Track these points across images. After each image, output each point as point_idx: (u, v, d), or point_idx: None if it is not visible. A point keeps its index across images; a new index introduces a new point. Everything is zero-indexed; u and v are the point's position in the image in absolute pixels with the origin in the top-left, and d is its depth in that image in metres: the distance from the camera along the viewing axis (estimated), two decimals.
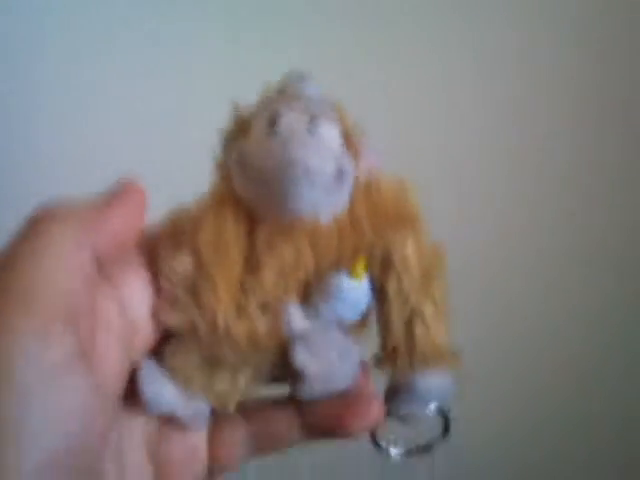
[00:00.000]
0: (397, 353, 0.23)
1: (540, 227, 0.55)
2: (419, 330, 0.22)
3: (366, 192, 0.22)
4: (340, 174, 0.21)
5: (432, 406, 0.24)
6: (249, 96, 0.23)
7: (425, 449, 0.25)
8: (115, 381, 0.20)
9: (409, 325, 0.22)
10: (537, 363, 0.56)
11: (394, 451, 0.25)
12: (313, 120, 0.22)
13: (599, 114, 0.54)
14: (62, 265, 0.19)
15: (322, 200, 0.21)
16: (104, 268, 0.21)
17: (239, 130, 0.22)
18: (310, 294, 0.22)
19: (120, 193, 0.22)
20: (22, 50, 0.50)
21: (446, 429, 0.24)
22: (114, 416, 0.20)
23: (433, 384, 0.23)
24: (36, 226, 0.20)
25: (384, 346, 0.23)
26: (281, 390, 0.23)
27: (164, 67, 0.51)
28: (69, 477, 0.17)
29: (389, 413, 0.23)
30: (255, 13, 0.51)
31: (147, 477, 0.23)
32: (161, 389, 0.21)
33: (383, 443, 0.25)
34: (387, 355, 0.23)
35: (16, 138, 0.51)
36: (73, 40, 0.50)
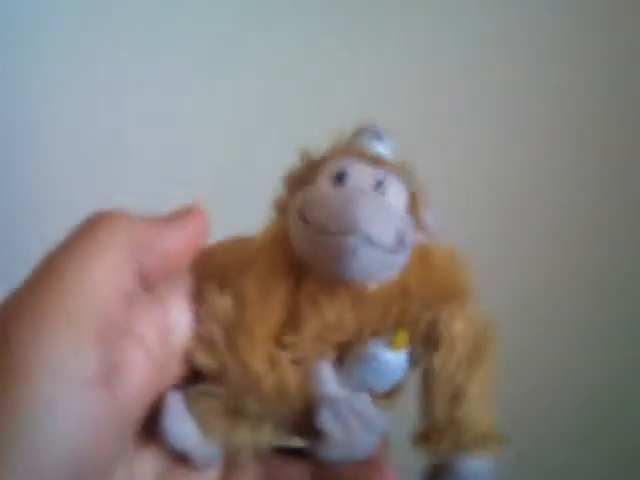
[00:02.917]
0: (439, 433, 0.22)
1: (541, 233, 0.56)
2: (463, 410, 0.21)
3: (420, 261, 0.22)
4: (400, 242, 0.20)
5: None
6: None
7: None
8: (137, 407, 0.20)
9: (453, 404, 0.21)
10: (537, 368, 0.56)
11: None
12: (381, 182, 0.21)
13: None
14: (104, 281, 0.19)
15: (378, 267, 0.20)
16: (152, 287, 0.20)
17: (305, 175, 0.22)
18: (346, 357, 0.22)
19: (181, 215, 0.22)
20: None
21: None
22: (128, 442, 0.20)
23: (475, 467, 0.22)
24: (88, 232, 0.19)
25: (425, 424, 0.22)
26: (298, 442, 0.23)
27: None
28: None
29: None
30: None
31: None
32: (183, 427, 0.21)
33: None
34: (428, 433, 0.22)
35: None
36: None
